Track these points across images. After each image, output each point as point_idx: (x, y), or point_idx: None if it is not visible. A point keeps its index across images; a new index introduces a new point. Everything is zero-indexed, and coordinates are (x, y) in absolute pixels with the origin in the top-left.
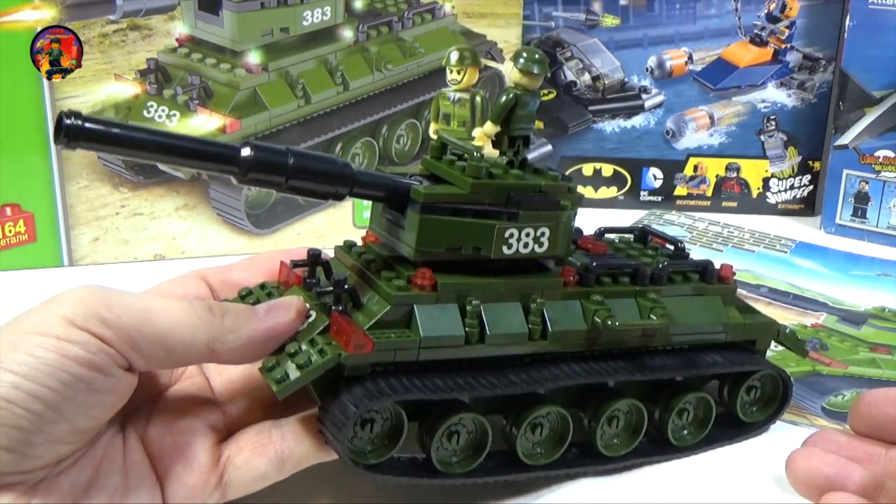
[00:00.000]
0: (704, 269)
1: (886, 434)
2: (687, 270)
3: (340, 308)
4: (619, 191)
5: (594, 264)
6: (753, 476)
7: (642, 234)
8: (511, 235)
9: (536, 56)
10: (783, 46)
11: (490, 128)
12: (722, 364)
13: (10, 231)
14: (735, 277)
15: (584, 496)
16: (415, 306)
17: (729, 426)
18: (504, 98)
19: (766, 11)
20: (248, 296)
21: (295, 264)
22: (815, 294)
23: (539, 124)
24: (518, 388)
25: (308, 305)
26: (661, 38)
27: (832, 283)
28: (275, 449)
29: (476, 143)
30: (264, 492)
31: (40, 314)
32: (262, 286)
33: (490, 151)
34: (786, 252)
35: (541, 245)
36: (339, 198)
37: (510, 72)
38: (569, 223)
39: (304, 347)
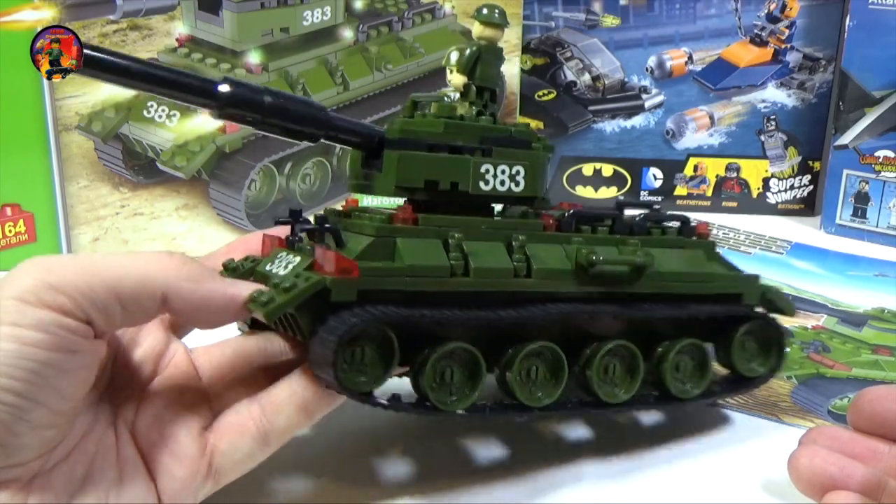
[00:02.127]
0: (682, 223)
1: (888, 431)
2: (665, 225)
3: (325, 245)
4: (619, 191)
5: (572, 211)
6: (757, 476)
7: (618, 207)
8: (487, 171)
9: (497, 9)
10: (783, 46)
11: (458, 78)
12: (710, 310)
13: (10, 231)
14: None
15: (586, 495)
16: (398, 239)
17: (732, 383)
18: (469, 50)
19: (766, 11)
20: (233, 269)
21: (277, 222)
22: (813, 295)
23: (539, 124)
24: (505, 318)
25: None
26: (661, 38)
27: (830, 285)
28: (255, 426)
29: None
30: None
31: None
32: (246, 258)
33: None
34: (782, 253)
35: (517, 184)
36: (314, 139)
37: (473, 27)
38: (543, 165)
39: (290, 277)
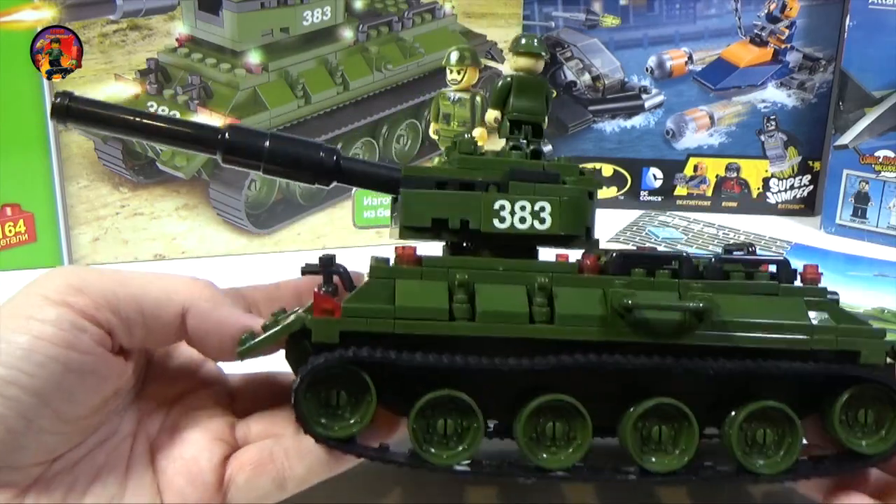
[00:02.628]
0: (778, 266)
1: None
2: (752, 268)
3: (326, 289)
4: (619, 191)
5: (618, 252)
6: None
7: (725, 252)
8: (502, 208)
9: (535, 39)
10: (783, 46)
11: (489, 113)
12: (784, 367)
13: (10, 231)
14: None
15: (583, 489)
16: (396, 280)
17: (841, 460)
18: (501, 82)
19: (766, 11)
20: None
21: (304, 271)
22: None
23: None
24: (503, 366)
25: None
26: (661, 38)
27: (830, 285)
28: (276, 468)
29: (477, 139)
30: None
31: (20, 296)
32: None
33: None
34: (782, 254)
35: (542, 221)
36: (324, 184)
37: (511, 59)
38: (579, 202)
39: (279, 319)
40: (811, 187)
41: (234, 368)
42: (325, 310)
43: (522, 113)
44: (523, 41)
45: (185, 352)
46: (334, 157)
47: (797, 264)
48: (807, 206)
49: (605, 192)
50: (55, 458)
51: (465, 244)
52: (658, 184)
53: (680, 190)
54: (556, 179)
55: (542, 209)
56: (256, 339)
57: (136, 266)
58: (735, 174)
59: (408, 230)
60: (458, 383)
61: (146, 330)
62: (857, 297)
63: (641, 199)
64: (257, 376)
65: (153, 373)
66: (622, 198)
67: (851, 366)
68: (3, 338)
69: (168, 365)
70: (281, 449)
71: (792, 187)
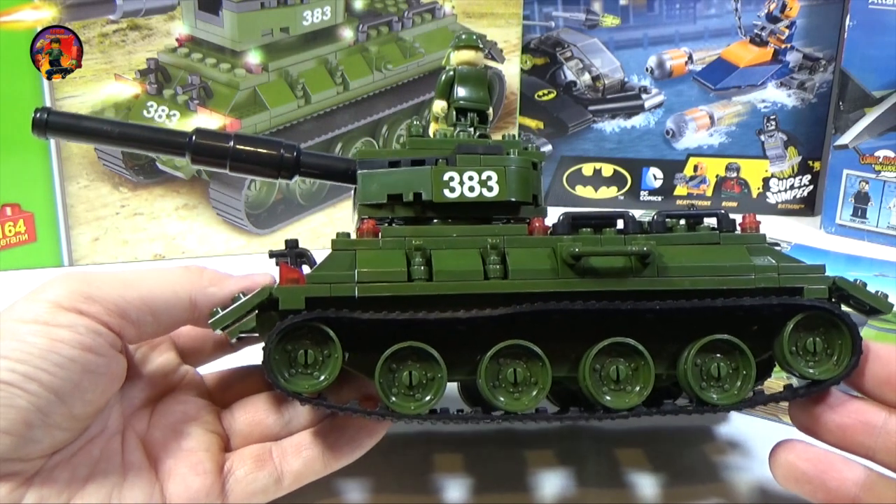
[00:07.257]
0: (718, 218)
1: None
2: (694, 220)
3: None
4: (619, 191)
5: (565, 214)
6: (755, 476)
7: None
8: (451, 178)
9: (474, 35)
10: (783, 46)
11: (435, 105)
12: (729, 303)
13: (10, 231)
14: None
15: (580, 489)
16: (357, 251)
17: (797, 387)
18: (444, 75)
19: (766, 11)
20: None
21: (272, 254)
22: None
23: (539, 124)
24: (458, 316)
25: None
26: (661, 38)
27: None
28: (274, 464)
29: (438, 111)
30: None
31: (28, 303)
32: None
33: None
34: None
35: (490, 189)
36: (286, 178)
37: (453, 55)
38: (524, 171)
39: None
40: (811, 187)
41: (208, 368)
42: (290, 279)
43: (466, 101)
44: (463, 37)
45: (160, 356)
46: (294, 153)
47: None
48: (807, 206)
49: (605, 192)
50: (54, 451)
51: (421, 216)
52: (658, 184)
53: (680, 190)
54: (500, 152)
55: (490, 178)
56: (226, 310)
57: (135, 266)
58: (735, 174)
59: (366, 207)
60: (420, 339)
61: (156, 326)
62: None
63: (641, 199)
64: (231, 371)
65: (132, 375)
66: (622, 198)
67: (793, 297)
68: (19, 339)
69: (145, 368)
70: (279, 448)
71: (792, 187)
